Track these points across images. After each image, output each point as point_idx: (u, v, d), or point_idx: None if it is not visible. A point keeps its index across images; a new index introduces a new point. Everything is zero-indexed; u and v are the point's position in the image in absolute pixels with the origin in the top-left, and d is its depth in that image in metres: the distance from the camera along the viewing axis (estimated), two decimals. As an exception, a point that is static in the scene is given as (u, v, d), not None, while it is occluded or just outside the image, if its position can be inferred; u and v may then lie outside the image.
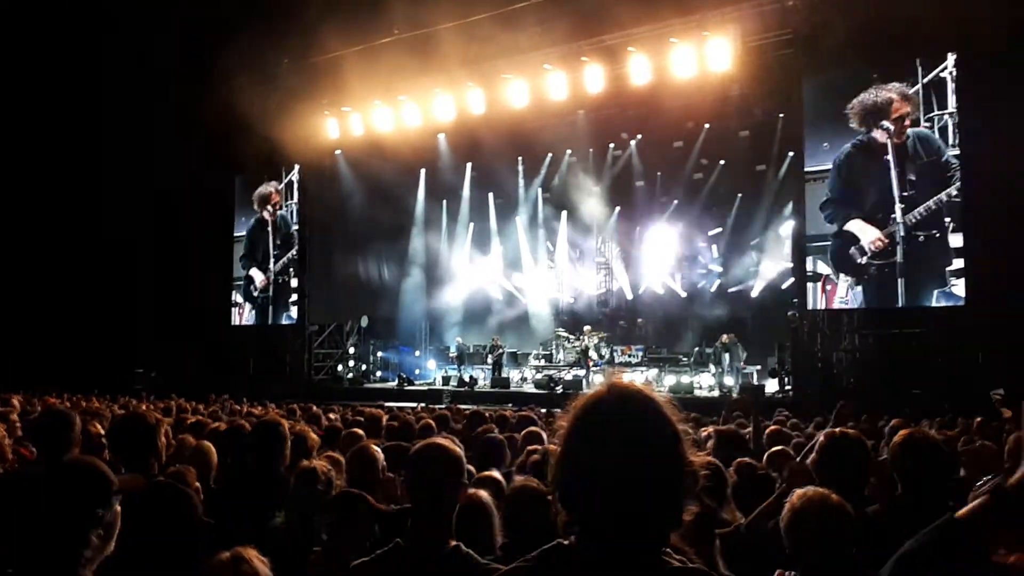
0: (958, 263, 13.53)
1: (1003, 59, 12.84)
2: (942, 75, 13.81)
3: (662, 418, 1.37)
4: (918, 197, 13.82)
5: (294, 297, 21.71)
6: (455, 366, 20.63)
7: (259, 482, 3.66)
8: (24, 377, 15.28)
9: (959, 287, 13.53)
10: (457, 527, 2.34)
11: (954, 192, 13.50)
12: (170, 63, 18.79)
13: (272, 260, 21.94)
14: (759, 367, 17.62)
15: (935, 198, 13.62)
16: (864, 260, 14.32)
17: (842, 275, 14.66)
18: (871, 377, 14.14)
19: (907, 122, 13.91)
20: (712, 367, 17.61)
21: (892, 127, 13.95)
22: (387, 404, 13.75)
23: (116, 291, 22.15)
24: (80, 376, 16.96)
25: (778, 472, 3.98)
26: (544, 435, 5.02)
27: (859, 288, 14.51)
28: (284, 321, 21.86)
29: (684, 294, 21.23)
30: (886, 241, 14.02)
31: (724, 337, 17.42)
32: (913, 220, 13.81)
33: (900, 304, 14.14)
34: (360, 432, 5.28)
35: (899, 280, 14.01)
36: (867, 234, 14.25)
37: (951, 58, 13.73)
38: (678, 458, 1.34)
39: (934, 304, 13.77)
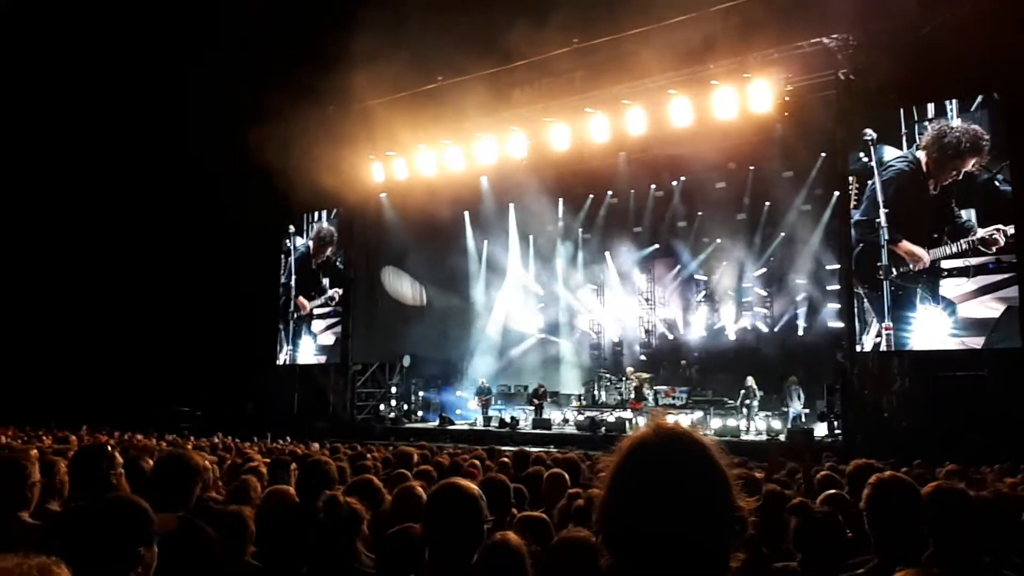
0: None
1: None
2: (979, 113, 13.71)
3: (709, 461, 1.34)
4: (960, 229, 13.64)
5: (319, 325, 22.06)
6: (493, 407, 20.54)
7: (301, 520, 3.68)
8: (74, 414, 15.66)
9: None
10: (483, 571, 2.32)
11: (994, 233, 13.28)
12: (221, 106, 19.44)
13: (318, 295, 22.37)
14: (807, 410, 17.21)
15: (985, 231, 13.37)
16: (889, 278, 14.19)
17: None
18: (924, 421, 13.68)
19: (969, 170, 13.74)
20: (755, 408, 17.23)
21: (956, 171, 13.77)
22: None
23: (165, 329, 22.67)
24: (127, 414, 17.34)
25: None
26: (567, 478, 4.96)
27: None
28: (303, 357, 22.29)
29: (732, 336, 20.93)
30: (926, 262, 13.87)
31: (750, 382, 17.09)
32: (960, 248, 13.63)
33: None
34: (406, 472, 5.29)
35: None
36: (914, 254, 14.03)
37: (980, 99, 13.71)
38: (726, 502, 1.32)
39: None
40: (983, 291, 13.36)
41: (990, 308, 13.27)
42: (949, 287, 13.66)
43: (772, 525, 3.72)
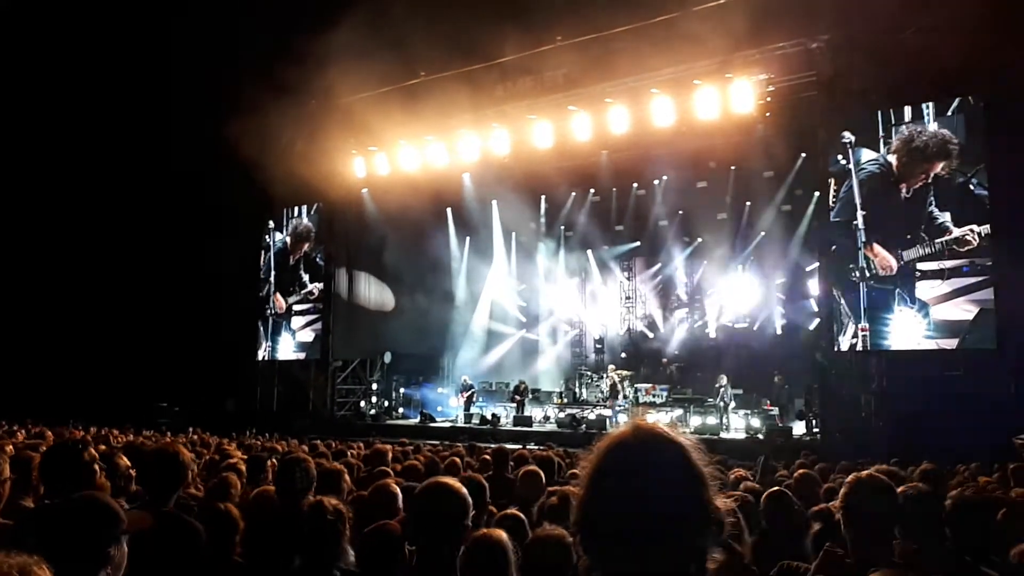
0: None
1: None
2: (955, 116, 13.87)
3: (687, 462, 1.34)
4: (935, 231, 13.81)
5: (299, 321, 21.89)
6: (475, 404, 20.52)
7: (282, 518, 3.65)
8: (51, 409, 15.45)
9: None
10: (469, 567, 2.31)
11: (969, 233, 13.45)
12: (201, 99, 19.22)
13: (297, 290, 22.22)
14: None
15: (959, 231, 13.53)
16: (864, 280, 14.34)
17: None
18: (901, 420, 13.83)
19: (939, 173, 13.90)
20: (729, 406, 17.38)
21: (925, 175, 13.95)
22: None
23: (144, 324, 22.42)
24: (106, 409, 17.13)
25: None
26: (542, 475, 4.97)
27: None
28: (283, 353, 22.08)
29: (712, 334, 21.07)
30: (894, 268, 14.07)
31: (723, 380, 17.25)
32: (934, 249, 13.79)
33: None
34: (387, 469, 5.27)
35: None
36: (884, 259, 14.21)
37: (956, 103, 13.88)
38: (703, 503, 1.32)
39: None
40: (957, 293, 13.53)
41: (964, 310, 13.44)
42: (924, 289, 13.83)
43: (749, 523, 3.74)
